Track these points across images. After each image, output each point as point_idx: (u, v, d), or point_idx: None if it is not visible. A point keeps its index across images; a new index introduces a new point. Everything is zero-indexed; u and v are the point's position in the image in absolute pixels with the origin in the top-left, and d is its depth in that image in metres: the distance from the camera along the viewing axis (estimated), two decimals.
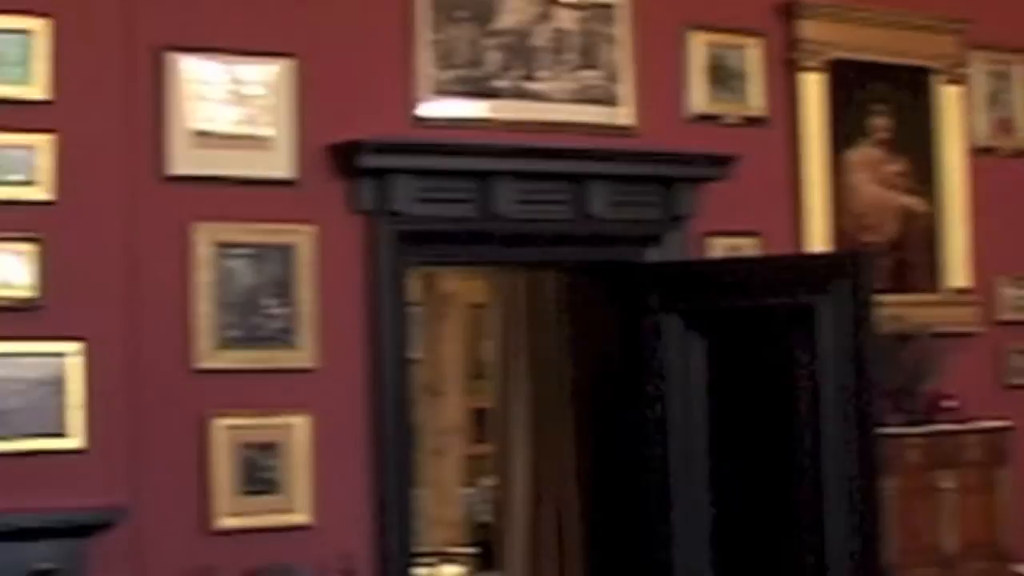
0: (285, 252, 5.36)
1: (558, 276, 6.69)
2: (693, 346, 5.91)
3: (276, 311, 5.34)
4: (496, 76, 5.87)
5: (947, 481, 6.60)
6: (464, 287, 9.77)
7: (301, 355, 5.37)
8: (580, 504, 6.60)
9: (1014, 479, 6.85)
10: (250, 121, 5.35)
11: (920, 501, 6.53)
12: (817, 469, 5.73)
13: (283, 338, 5.35)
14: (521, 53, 5.93)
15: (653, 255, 6.14)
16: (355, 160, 5.44)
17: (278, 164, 5.37)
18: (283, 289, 5.35)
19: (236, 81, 5.34)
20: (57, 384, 4.92)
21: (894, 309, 6.49)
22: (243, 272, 5.30)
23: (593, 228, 5.98)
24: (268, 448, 5.29)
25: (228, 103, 5.32)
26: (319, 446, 5.38)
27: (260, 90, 5.37)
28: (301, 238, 5.38)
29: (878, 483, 5.78)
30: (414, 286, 8.02)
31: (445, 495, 9.82)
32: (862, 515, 5.70)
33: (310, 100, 5.45)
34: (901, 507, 6.39)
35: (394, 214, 5.55)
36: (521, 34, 5.94)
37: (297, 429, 5.33)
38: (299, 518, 5.34)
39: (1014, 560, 6.83)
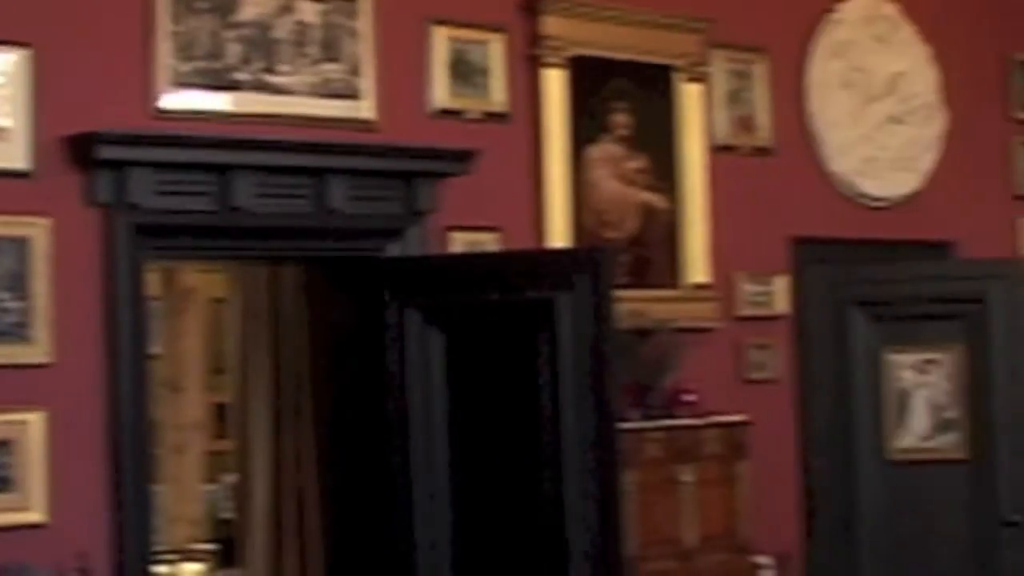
0: (20, 245, 5.61)
1: (299, 270, 7.03)
2: (433, 341, 6.27)
3: (10, 305, 5.59)
4: (237, 68, 6.18)
5: (687, 475, 7.01)
6: (204, 281, 10.00)
7: (36, 350, 5.63)
8: (321, 500, 6.95)
9: (752, 472, 7.27)
10: None
11: (660, 495, 6.91)
12: (558, 463, 6.14)
13: (17, 333, 5.60)
14: (262, 46, 6.24)
15: (394, 249, 6.50)
16: (92, 152, 5.70)
17: (14, 155, 5.62)
18: (17, 282, 5.60)
19: None
20: None
21: (634, 304, 6.94)
22: None
23: (334, 222, 6.31)
24: (1, 445, 5.53)
25: None
26: (55, 443, 5.64)
27: None
28: (36, 231, 5.64)
29: (618, 477, 6.21)
30: (153, 280, 8.30)
31: (186, 492, 10.05)
32: (602, 509, 6.13)
33: (48, 90, 5.71)
34: (641, 501, 6.77)
35: (132, 207, 5.83)
36: (262, 26, 6.25)
37: (32, 426, 5.58)
38: (34, 516, 5.59)
39: (752, 552, 7.30)
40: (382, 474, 6.31)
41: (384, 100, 6.58)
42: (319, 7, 6.42)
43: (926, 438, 7.92)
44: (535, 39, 7.07)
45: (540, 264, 6.39)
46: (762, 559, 7.42)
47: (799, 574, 7.88)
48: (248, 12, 6.24)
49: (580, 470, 6.13)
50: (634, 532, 6.66)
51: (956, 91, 8.80)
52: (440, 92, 6.79)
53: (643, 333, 7.11)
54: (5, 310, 5.59)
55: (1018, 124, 9.21)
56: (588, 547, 6.13)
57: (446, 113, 6.81)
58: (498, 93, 6.97)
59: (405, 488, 6.26)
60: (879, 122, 8.46)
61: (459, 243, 6.74)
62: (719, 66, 7.80)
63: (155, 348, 7.82)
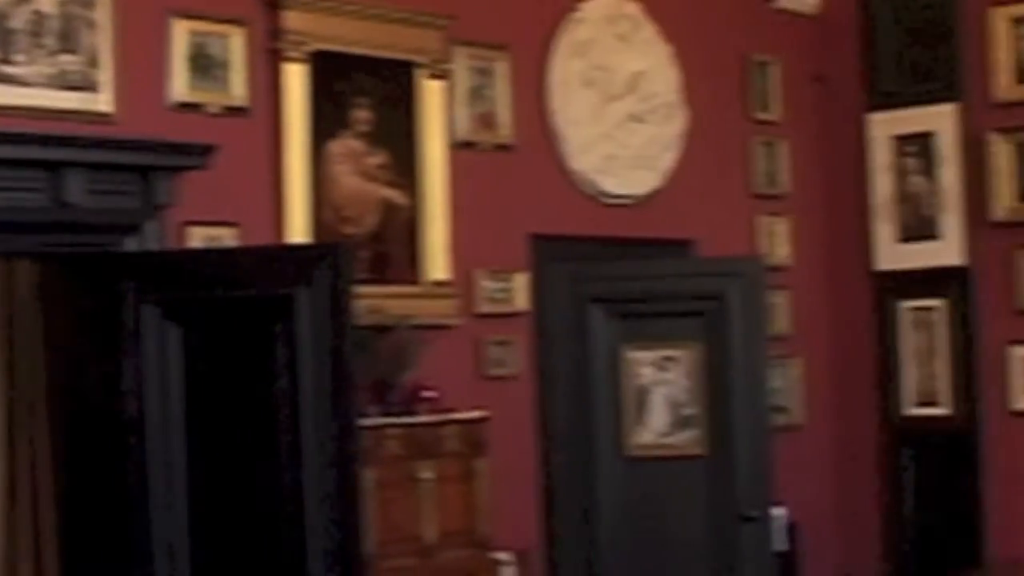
0: None
1: (34, 266, 6.93)
2: (171, 337, 6.36)
3: None
4: None
5: (426, 471, 7.29)
6: None
7: None
8: (57, 502, 6.90)
9: (492, 469, 7.56)
10: None
11: (400, 491, 7.16)
12: (297, 461, 6.27)
13: None
14: None
15: (131, 244, 6.54)
16: None
17: None
18: None
19: None
20: None
21: (374, 301, 7.16)
22: None
23: (70, 216, 6.37)
24: None
25: None
26: None
27: None
28: None
29: (358, 474, 6.35)
30: None
31: None
32: (342, 506, 6.27)
33: None
34: (381, 498, 7.01)
35: None
36: None
37: None
38: None
39: (492, 548, 7.59)
40: (118, 474, 6.39)
41: (122, 93, 6.70)
42: None
43: (665, 434, 8.24)
44: (276, 33, 7.28)
45: (279, 259, 6.53)
46: (502, 555, 7.73)
47: (539, 570, 8.22)
48: None
49: (319, 467, 6.28)
50: (374, 529, 6.87)
51: (696, 91, 9.29)
52: (179, 85, 6.95)
53: (382, 330, 7.34)
54: None
55: (757, 124, 9.77)
56: (327, 545, 6.28)
57: (185, 107, 6.97)
58: (238, 87, 7.15)
59: (142, 488, 6.35)
60: (620, 120, 8.89)
61: (197, 238, 6.90)
62: (461, 63, 8.09)
63: None
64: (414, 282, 7.82)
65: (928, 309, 9.92)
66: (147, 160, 6.60)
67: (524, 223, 8.40)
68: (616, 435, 8.27)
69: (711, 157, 9.45)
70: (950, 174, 9.81)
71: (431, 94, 7.93)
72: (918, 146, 9.92)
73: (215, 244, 6.95)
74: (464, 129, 8.15)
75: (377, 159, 7.71)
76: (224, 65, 7.16)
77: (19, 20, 6.47)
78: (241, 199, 7.13)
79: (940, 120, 9.83)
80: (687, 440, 8.29)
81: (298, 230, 7.28)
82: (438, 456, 7.44)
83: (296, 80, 7.37)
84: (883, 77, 10.07)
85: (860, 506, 10.12)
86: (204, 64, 7.09)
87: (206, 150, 6.70)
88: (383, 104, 7.73)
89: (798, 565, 9.45)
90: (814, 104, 10.20)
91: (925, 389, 9.93)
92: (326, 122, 7.48)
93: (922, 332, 9.94)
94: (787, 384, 9.84)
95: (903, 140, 9.98)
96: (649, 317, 8.28)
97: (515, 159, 8.41)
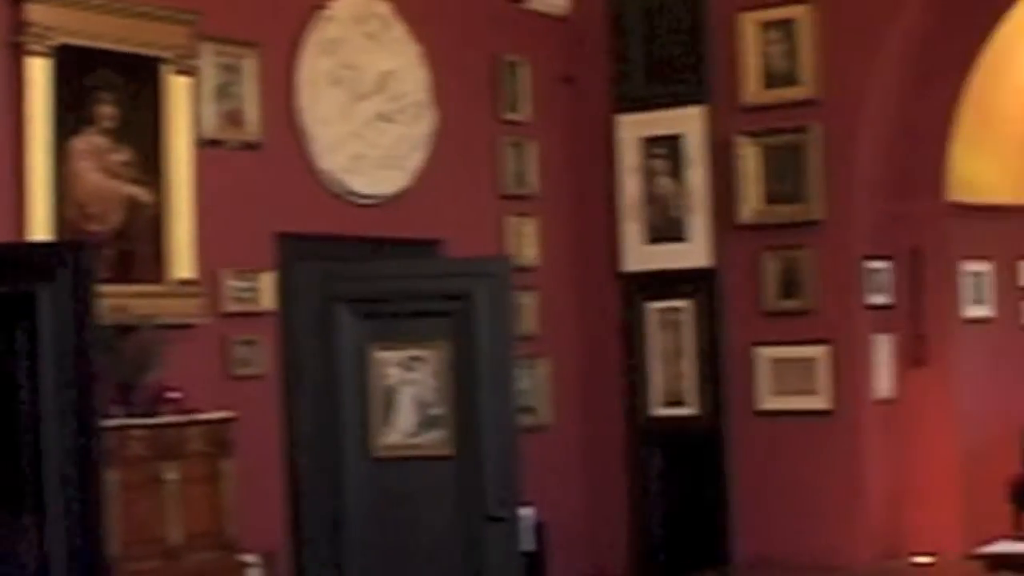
0: None
1: None
2: None
3: None
4: None
5: (171, 472, 7.41)
6: None
7: None
8: None
9: (238, 470, 7.70)
10: None
11: (144, 493, 7.26)
12: (38, 463, 6.20)
13: None
14: None
15: None
16: None
17: None
18: None
19: None
20: None
21: (118, 300, 7.23)
22: None
23: None
24: None
25: None
26: None
27: None
28: None
29: (100, 476, 6.35)
30: None
31: None
32: (84, 509, 6.23)
33: None
34: (124, 499, 7.09)
35: None
36: None
37: None
38: None
39: (239, 550, 7.73)
40: None
41: None
42: None
43: (412, 435, 8.30)
44: (19, 26, 7.34)
45: (20, 257, 6.49)
46: (249, 557, 7.86)
47: (286, 572, 8.36)
48: None
49: (61, 470, 6.24)
50: (117, 531, 6.93)
51: (446, 90, 9.55)
52: None
53: (126, 329, 7.42)
54: None
55: (506, 124, 10.08)
56: (70, 548, 6.25)
57: None
58: None
59: None
60: (368, 120, 9.12)
61: None
62: (208, 59, 8.22)
63: None
64: (159, 281, 7.92)
65: (675, 310, 10.33)
66: None
67: (271, 222, 8.55)
68: (363, 436, 8.33)
69: (460, 157, 9.71)
70: (697, 176, 10.23)
71: (177, 90, 8.05)
72: (666, 148, 10.33)
73: None
74: (211, 126, 8.28)
75: (122, 156, 7.81)
76: None
77: None
78: None
79: (688, 123, 10.26)
80: (434, 440, 8.39)
81: (40, 227, 7.33)
82: (183, 457, 7.53)
83: (39, 74, 7.43)
84: (632, 79, 10.45)
85: (608, 506, 10.45)
86: None
87: None
88: (128, 100, 7.83)
89: (546, 565, 9.71)
90: (563, 105, 10.52)
91: (672, 389, 10.33)
92: (70, 118, 7.55)
93: (669, 333, 10.34)
94: (535, 384, 10.15)
95: (651, 142, 10.37)
96: (396, 317, 8.35)
97: (262, 157, 8.55)
